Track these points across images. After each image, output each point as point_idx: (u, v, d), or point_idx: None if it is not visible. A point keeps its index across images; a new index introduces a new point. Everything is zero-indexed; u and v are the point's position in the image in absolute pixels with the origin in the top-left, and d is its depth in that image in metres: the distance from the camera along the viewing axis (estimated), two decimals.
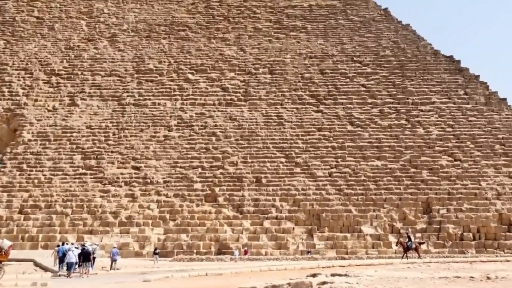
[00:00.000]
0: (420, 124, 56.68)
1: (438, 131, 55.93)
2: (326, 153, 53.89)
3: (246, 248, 44.93)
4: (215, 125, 57.18)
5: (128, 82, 62.70)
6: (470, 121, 56.98)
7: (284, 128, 56.72)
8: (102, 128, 56.97)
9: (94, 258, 32.31)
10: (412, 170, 52.02)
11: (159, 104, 59.97)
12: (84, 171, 52.42)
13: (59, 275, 30.72)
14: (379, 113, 58.17)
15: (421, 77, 62.25)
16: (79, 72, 63.88)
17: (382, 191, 49.81)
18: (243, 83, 62.38)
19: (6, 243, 27.69)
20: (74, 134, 56.22)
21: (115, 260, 34.54)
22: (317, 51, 66.59)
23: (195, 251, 45.18)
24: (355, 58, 65.24)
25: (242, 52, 66.98)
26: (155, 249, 41.77)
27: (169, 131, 56.73)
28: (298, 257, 42.09)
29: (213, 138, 55.69)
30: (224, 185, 50.86)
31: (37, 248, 44.79)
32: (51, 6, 74.74)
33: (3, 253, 27.21)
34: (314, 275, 20.18)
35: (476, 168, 51.87)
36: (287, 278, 20.54)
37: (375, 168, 52.23)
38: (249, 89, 61.44)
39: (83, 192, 50.22)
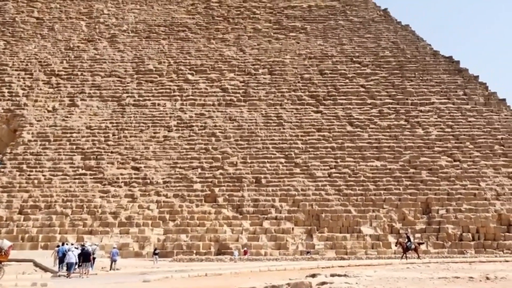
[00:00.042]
0: (419, 125, 56.76)
1: (438, 131, 56.01)
2: (325, 154, 53.96)
3: (245, 249, 44.97)
4: (215, 126, 57.25)
5: (127, 83, 62.76)
6: (470, 121, 57.06)
7: (283, 128, 56.79)
8: (102, 129, 57.03)
9: (94, 258, 32.38)
10: (412, 170, 52.10)
11: (158, 104, 60.03)
12: (84, 171, 52.46)
13: (59, 276, 30.77)
14: (378, 114, 58.25)
15: (421, 78, 62.35)
16: (79, 73, 63.94)
17: (382, 192, 49.88)
18: (243, 84, 62.45)
19: (6, 243, 27.75)
20: (74, 135, 56.28)
21: (115, 261, 34.60)
22: (317, 52, 66.66)
23: (194, 251, 45.23)
24: (354, 59, 65.33)
25: (242, 53, 67.05)
26: (155, 249, 41.83)
27: (168, 131, 56.79)
28: (297, 258, 42.14)
29: (213, 139, 55.75)
30: (224, 186, 50.92)
31: (37, 249, 44.83)
32: (51, 7, 74.79)
33: (3, 254, 27.28)
34: (313, 276, 20.23)
35: (475, 168, 51.95)
36: (287, 278, 20.59)
37: (374, 168, 52.30)
38: (248, 90, 61.50)
39: (83, 192, 50.26)
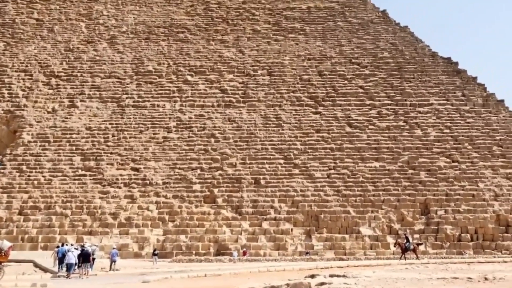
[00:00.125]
0: (418, 126, 56.89)
1: (436, 132, 56.14)
2: (324, 155, 54.07)
3: (245, 249, 45.04)
4: (214, 127, 57.35)
5: (127, 84, 62.85)
6: (468, 122, 57.20)
7: (282, 129, 56.90)
8: (101, 130, 57.12)
9: (93, 259, 32.43)
10: (410, 171, 52.22)
11: (158, 105, 60.13)
12: (83, 172, 52.54)
13: (59, 276, 30.81)
14: (377, 115, 58.39)
15: (419, 79, 62.49)
16: (79, 74, 64.03)
17: (380, 192, 49.98)
18: (242, 85, 62.56)
19: (6, 244, 27.77)
20: (74, 136, 56.36)
21: (115, 261, 34.67)
22: (316, 53, 66.81)
23: (194, 252, 45.30)
24: (353, 60, 65.47)
25: (241, 54, 67.17)
26: (154, 250, 41.91)
27: (168, 132, 56.87)
28: (296, 258, 42.23)
29: (212, 140, 55.84)
30: (223, 186, 51.01)
31: (36, 249, 44.89)
32: (51, 8, 74.87)
33: (3, 254, 27.31)
34: (312, 276, 20.32)
35: (474, 169, 52.08)
36: (286, 279, 20.69)
37: (373, 169, 52.42)
38: (247, 91, 61.62)
39: (83, 193, 50.34)
